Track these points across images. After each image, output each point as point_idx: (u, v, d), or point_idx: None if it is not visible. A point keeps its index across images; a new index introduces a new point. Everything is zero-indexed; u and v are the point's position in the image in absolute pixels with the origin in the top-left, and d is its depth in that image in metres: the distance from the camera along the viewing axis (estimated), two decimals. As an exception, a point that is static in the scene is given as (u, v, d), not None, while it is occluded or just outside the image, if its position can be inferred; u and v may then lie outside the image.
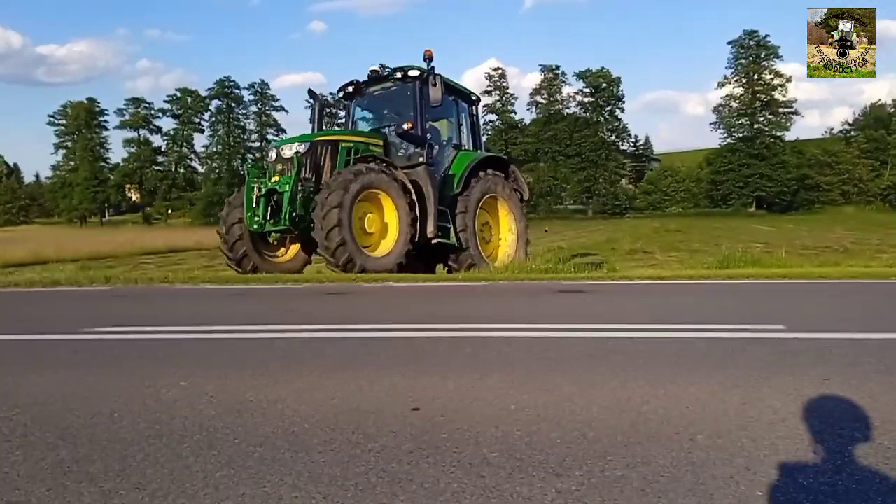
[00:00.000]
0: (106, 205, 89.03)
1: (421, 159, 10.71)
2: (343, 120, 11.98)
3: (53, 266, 12.96)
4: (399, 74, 11.11)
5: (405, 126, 10.68)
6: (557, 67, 78.16)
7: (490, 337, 4.57)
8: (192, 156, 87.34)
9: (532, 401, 3.09)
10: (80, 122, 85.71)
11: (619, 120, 78.74)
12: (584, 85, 76.85)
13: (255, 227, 9.96)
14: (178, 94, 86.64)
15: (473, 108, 12.33)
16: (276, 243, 10.80)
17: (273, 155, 10.57)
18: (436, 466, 2.38)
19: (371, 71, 11.57)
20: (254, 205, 9.97)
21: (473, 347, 4.25)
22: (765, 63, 71.85)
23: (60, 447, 2.65)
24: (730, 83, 73.61)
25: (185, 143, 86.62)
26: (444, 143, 11.81)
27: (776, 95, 72.12)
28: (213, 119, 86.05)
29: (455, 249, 10.79)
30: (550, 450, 2.50)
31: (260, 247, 10.62)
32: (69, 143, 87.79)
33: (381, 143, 11.02)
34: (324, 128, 12.01)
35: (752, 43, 70.99)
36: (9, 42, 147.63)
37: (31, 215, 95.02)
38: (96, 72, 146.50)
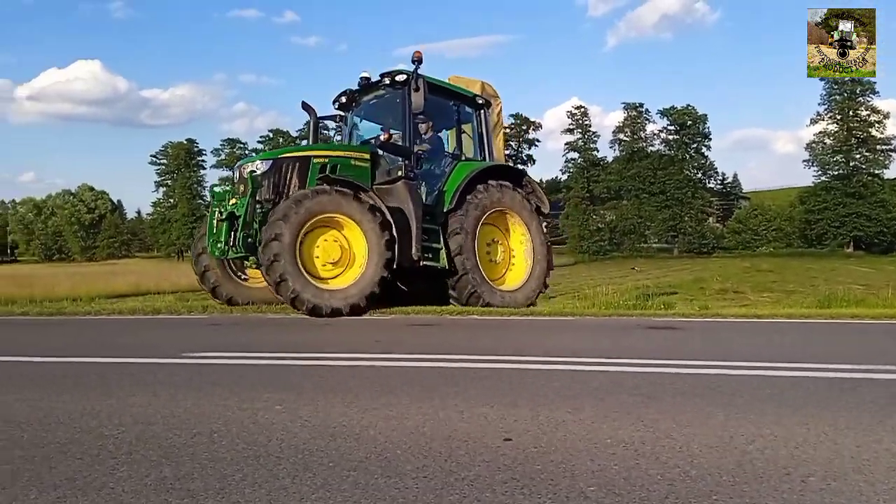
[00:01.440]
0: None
1: (400, 173, 9.53)
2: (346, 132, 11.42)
3: (153, 296, 13.56)
4: (387, 80, 10.12)
5: (382, 137, 9.86)
6: (641, 105, 77.47)
7: (580, 371, 4.48)
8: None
9: (628, 436, 2.99)
10: (180, 162, 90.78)
11: (706, 157, 77.11)
12: (668, 122, 75.87)
13: (217, 253, 9.30)
14: (271, 135, 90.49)
15: (481, 112, 11.08)
16: (254, 267, 9.84)
17: (237, 175, 9.69)
18: (531, 498, 2.32)
19: (361, 78, 10.60)
20: (214, 230, 9.37)
21: (563, 381, 4.17)
22: (860, 99, 69.13)
23: (163, 465, 2.73)
24: (823, 120, 71.19)
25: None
26: (446, 154, 10.86)
27: (873, 132, 69.10)
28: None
29: (447, 273, 9.74)
30: (651, 486, 2.40)
31: (236, 274, 10.26)
32: (169, 182, 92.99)
33: (367, 156, 9.80)
34: (318, 142, 11.33)
35: (846, 78, 68.47)
36: (116, 87, 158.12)
37: (133, 249, 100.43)
38: (196, 114, 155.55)
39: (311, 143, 11.16)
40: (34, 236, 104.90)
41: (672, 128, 75.54)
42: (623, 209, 74.08)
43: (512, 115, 79.63)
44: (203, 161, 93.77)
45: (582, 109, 79.56)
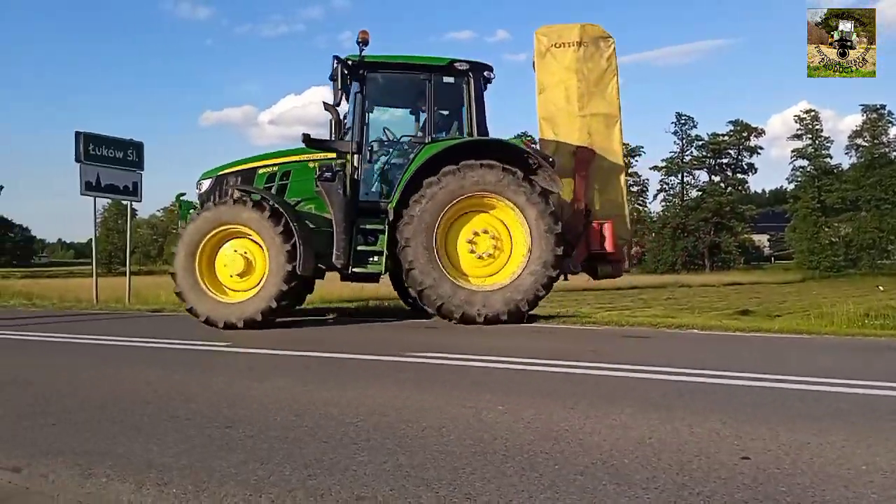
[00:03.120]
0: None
1: (316, 174, 8.80)
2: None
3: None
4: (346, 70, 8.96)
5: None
6: (883, 107, 69.28)
7: (824, 392, 4.08)
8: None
9: (887, 463, 2.68)
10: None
11: (967, 162, 67.19)
12: (919, 124, 67.15)
13: None
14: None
15: (464, 80, 9.06)
16: None
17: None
18: (776, 520, 2.16)
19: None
20: None
21: (805, 401, 3.83)
22: None
23: (399, 453, 2.89)
24: None
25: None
26: (405, 140, 9.35)
27: None
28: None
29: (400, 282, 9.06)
30: (922, 520, 2.13)
31: None
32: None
33: (332, 156, 9.04)
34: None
35: None
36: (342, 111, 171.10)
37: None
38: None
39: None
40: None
41: (923, 130, 66.86)
42: (861, 221, 66.60)
43: (731, 122, 74.97)
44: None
45: (812, 114, 72.78)
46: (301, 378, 4.72)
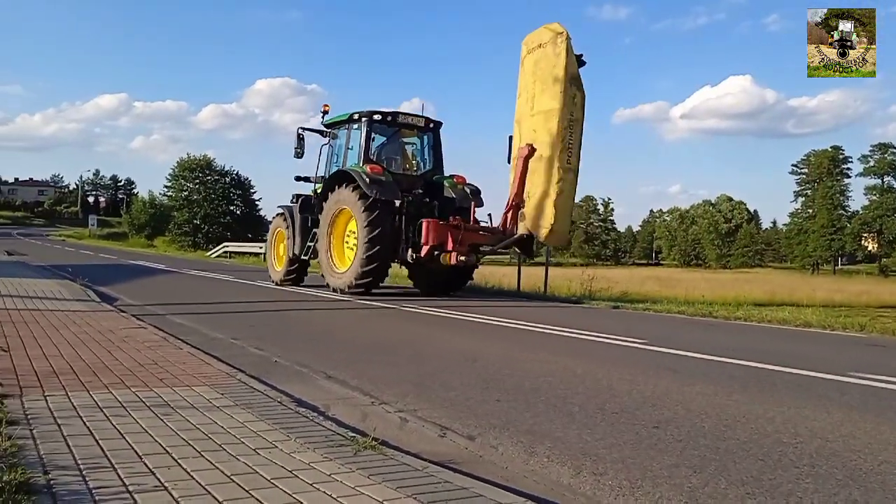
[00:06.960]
0: (839, 253, 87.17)
1: (293, 199, 14.30)
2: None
3: (794, 308, 13.20)
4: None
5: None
6: None
7: None
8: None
9: None
10: (822, 171, 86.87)
11: None
12: None
13: None
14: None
15: (353, 126, 12.76)
16: None
17: None
18: None
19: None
20: None
21: None
22: None
23: (850, 486, 2.59)
24: None
25: (934, 189, 78.19)
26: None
27: None
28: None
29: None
30: None
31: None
32: (808, 191, 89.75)
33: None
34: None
35: None
36: (764, 99, 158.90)
37: (766, 259, 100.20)
38: (844, 119, 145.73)
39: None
40: (676, 243, 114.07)
41: None
42: None
43: None
44: (848, 169, 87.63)
45: None
46: (727, 386, 4.52)
